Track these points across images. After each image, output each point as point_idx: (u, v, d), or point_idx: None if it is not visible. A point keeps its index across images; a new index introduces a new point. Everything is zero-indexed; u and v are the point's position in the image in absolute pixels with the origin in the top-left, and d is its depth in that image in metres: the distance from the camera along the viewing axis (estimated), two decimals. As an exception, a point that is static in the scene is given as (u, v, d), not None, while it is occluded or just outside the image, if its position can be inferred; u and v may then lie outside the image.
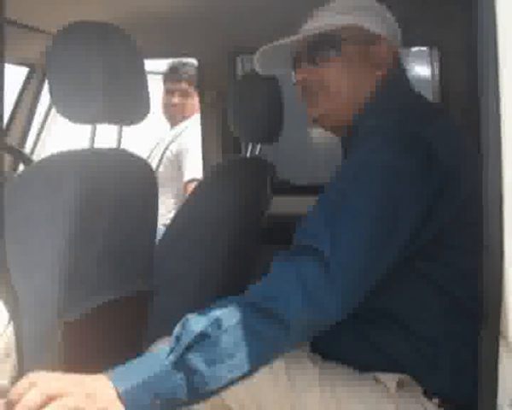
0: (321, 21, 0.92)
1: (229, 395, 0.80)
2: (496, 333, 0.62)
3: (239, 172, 1.42)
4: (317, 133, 2.25)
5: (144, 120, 1.01)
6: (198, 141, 1.91)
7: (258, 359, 0.68)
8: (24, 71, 1.89)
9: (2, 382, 0.64)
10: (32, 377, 0.59)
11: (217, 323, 0.66)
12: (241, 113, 1.38)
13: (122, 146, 2.51)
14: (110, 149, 1.04)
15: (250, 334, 0.66)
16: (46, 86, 0.94)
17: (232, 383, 0.66)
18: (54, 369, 0.64)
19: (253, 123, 1.37)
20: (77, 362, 0.83)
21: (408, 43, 1.05)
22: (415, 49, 1.94)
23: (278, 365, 0.80)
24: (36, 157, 2.01)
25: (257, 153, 1.58)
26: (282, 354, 0.73)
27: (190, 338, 0.65)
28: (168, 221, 1.47)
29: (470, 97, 1.41)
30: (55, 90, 0.89)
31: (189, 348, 0.64)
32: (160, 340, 0.86)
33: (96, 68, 0.87)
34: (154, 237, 1.14)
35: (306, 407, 0.81)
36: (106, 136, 2.01)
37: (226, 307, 0.67)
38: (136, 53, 0.96)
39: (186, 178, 2.04)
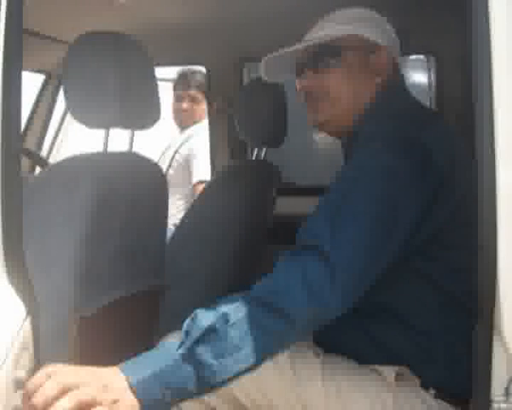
0: (322, 31, 0.95)
1: (237, 387, 0.83)
2: (490, 328, 0.65)
3: (245, 174, 1.44)
4: (319, 136, 2.28)
5: (155, 125, 1.05)
6: (206, 144, 1.94)
7: (264, 351, 0.70)
8: (40, 78, 1.94)
9: (20, 374, 0.67)
10: (49, 368, 0.62)
11: (224, 317, 0.68)
12: (248, 118, 1.40)
13: (134, 149, 2.55)
14: (122, 153, 1.07)
15: (255, 328, 0.68)
16: (61, 92, 0.98)
17: (239, 374, 0.69)
18: (69, 362, 0.66)
19: (259, 127, 1.40)
20: (91, 355, 0.86)
21: (406, 51, 1.07)
22: (412, 57, 1.95)
23: (283, 357, 0.83)
24: (52, 160, 2.06)
25: (262, 156, 1.61)
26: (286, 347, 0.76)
27: (199, 332, 0.67)
28: (178, 221, 1.50)
29: (466, 104, 1.42)
30: (70, 96, 0.91)
31: (197, 342, 0.67)
32: (171, 334, 0.88)
33: (110, 75, 0.90)
34: (165, 237, 1.16)
35: (309, 396, 0.83)
36: (119, 139, 2.05)
37: (233, 302, 0.70)
38: (147, 61, 0.99)
39: (195, 179, 2.08)
